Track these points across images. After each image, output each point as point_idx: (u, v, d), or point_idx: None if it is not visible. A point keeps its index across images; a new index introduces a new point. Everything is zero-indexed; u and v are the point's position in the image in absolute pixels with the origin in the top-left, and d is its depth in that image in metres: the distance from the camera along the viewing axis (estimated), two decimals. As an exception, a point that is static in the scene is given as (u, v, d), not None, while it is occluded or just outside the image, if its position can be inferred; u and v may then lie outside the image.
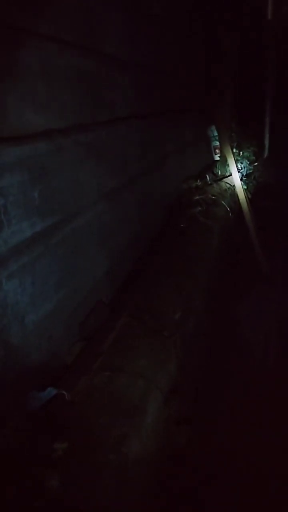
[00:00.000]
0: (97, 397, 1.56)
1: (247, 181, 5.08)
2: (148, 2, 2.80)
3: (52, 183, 1.66)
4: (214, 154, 5.11)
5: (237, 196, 4.12)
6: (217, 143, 5.02)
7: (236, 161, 4.54)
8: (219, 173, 4.90)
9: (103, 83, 2.17)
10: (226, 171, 4.82)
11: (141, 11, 2.68)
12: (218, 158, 5.08)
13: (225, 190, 4.55)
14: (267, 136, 6.29)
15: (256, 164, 5.62)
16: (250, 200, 4.21)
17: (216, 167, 4.97)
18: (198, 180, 4.23)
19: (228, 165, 4.57)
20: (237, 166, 4.38)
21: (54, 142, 1.65)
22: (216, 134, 4.99)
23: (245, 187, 4.61)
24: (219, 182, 4.67)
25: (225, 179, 4.76)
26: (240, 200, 4.04)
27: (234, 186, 4.29)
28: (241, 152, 5.26)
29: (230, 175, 4.52)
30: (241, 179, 4.46)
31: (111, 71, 2.26)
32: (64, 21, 1.69)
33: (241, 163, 5.24)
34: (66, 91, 1.76)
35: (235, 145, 5.20)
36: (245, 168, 5.30)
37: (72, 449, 1.21)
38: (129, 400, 1.55)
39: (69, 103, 1.79)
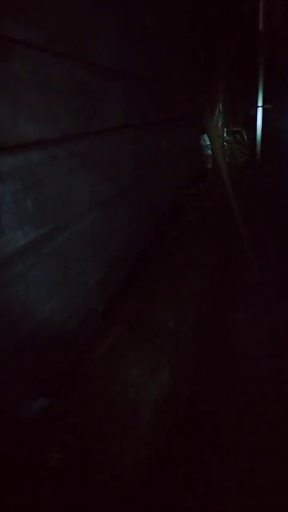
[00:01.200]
0: (91, 405, 1.56)
1: (239, 188, 5.12)
2: (140, 13, 2.83)
3: (45, 192, 1.67)
4: (207, 163, 5.16)
5: (230, 203, 4.15)
6: (210, 151, 5.07)
7: (229, 169, 4.57)
8: (212, 181, 4.93)
9: (96, 93, 2.19)
10: (219, 179, 4.86)
11: (133, 22, 2.71)
12: (211, 166, 5.12)
13: (218, 198, 4.57)
14: (259, 144, 6.36)
15: (248, 172, 5.67)
16: (244, 207, 4.24)
17: (209, 175, 5.01)
18: (192, 188, 4.26)
19: (221, 172, 4.61)
20: (229, 173, 4.42)
21: (47, 152, 1.66)
22: (209, 143, 5.03)
23: (237, 194, 4.65)
24: (212, 190, 4.70)
25: (218, 187, 4.79)
26: (233, 207, 4.07)
27: (227, 194, 4.32)
28: (233, 160, 5.31)
29: (223, 183, 4.56)
30: (233, 187, 4.49)
31: (104, 80, 2.28)
32: (57, 32, 1.71)
33: (234, 170, 5.29)
34: (59, 101, 1.77)
35: (227, 154, 5.25)
36: (238, 175, 5.35)
37: (66, 460, 1.20)
38: (123, 409, 1.54)
39: (62, 113, 1.80)
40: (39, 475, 1.13)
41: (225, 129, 5.59)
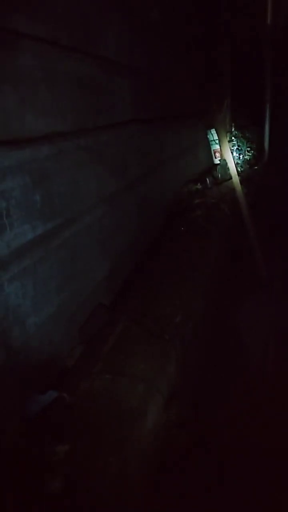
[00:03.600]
0: (98, 400, 1.56)
1: (247, 184, 5.10)
2: (147, 8, 2.82)
3: (53, 186, 1.67)
4: (214, 158, 5.13)
5: (238, 199, 4.13)
6: (217, 146, 5.04)
7: (236, 164, 4.55)
8: (220, 176, 4.91)
9: (103, 88, 2.19)
10: (227, 175, 4.84)
11: (140, 17, 2.70)
12: (218, 162, 5.10)
13: (226, 193, 4.56)
14: (267, 140, 6.31)
15: (256, 168, 5.63)
16: (251, 203, 4.22)
17: (216, 170, 4.98)
18: (198, 184, 4.24)
19: (228, 168, 4.59)
20: (237, 169, 4.40)
21: (55, 146, 1.66)
22: (215, 137, 5.01)
23: (245, 190, 4.63)
24: (219, 185, 4.68)
25: (226, 183, 4.77)
26: (240, 203, 4.05)
27: (234, 190, 4.30)
28: (241, 156, 5.28)
29: (231, 178, 4.54)
30: (241, 182, 4.47)
31: (111, 75, 2.27)
32: (63, 26, 1.70)
33: (241, 166, 5.26)
34: (66, 95, 1.77)
35: (235, 149, 5.22)
36: (246, 171, 5.32)
37: (73, 452, 1.21)
38: (130, 404, 1.55)
39: (69, 108, 1.80)
40: (47, 467, 1.14)
41: (232, 124, 5.55)
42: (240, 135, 5.53)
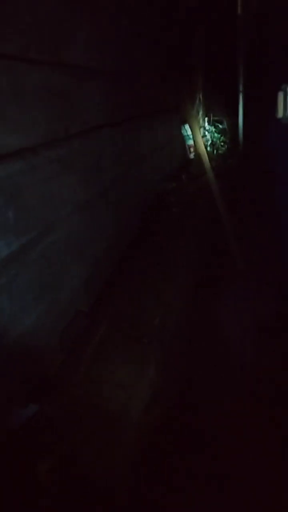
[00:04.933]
0: (79, 410, 1.60)
1: (222, 179, 5.16)
2: (114, 12, 2.80)
3: (26, 201, 1.67)
4: (189, 153, 5.17)
5: (213, 194, 4.19)
6: (191, 141, 5.08)
7: (211, 159, 4.60)
8: (195, 172, 4.96)
9: (74, 95, 2.18)
10: (202, 170, 4.88)
11: (108, 21, 2.68)
12: (193, 157, 5.14)
13: (201, 189, 4.61)
14: (241, 132, 6.38)
15: (230, 161, 5.70)
16: (226, 198, 4.28)
17: (192, 166, 5.03)
18: (174, 181, 4.28)
19: (203, 163, 4.64)
20: (211, 164, 4.45)
21: (27, 161, 1.66)
22: (190, 133, 5.04)
23: (220, 185, 4.69)
24: (195, 181, 4.73)
25: (201, 178, 4.82)
26: (216, 199, 4.11)
27: (209, 185, 4.35)
28: (215, 150, 5.33)
29: (206, 173, 4.59)
30: (216, 177, 4.53)
31: (81, 81, 2.26)
32: (31, 40, 1.69)
33: (216, 160, 5.32)
34: (37, 108, 1.76)
35: (208, 144, 5.26)
36: (220, 165, 5.38)
37: (56, 467, 1.25)
38: (110, 411, 1.60)
39: (40, 120, 1.80)
40: (30, 484, 1.17)
41: (205, 119, 5.58)
42: (214, 129, 5.57)
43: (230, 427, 2.03)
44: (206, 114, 5.67)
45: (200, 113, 5.47)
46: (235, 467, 1.80)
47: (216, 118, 5.80)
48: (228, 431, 2.00)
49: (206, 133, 5.45)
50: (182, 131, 5.06)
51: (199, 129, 4.98)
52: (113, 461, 1.41)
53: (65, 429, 1.48)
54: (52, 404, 1.59)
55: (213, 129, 5.62)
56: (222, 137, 5.67)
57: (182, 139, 5.10)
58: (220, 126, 5.72)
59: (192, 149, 5.11)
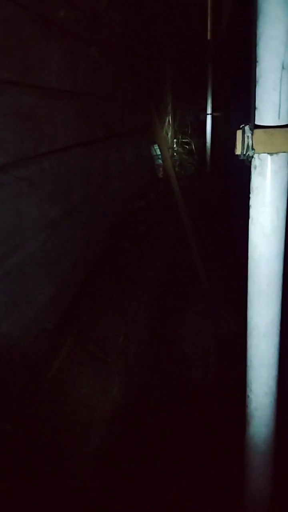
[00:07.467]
0: (41, 429, 1.60)
1: (189, 198, 5.31)
2: (85, 36, 2.89)
3: (-7, 219, 1.69)
4: (157, 173, 5.30)
5: (180, 213, 4.31)
6: (160, 162, 5.21)
7: (179, 179, 4.74)
8: (163, 191, 5.08)
9: (46, 115, 2.22)
10: (170, 189, 5.01)
11: (80, 45, 2.77)
12: (162, 176, 5.27)
13: (169, 208, 4.72)
14: (208, 152, 6.60)
15: (198, 181, 5.88)
16: (193, 217, 4.42)
17: (160, 185, 5.15)
18: (142, 199, 4.37)
19: (171, 183, 4.77)
20: (179, 183, 4.58)
21: (-5, 180, 1.68)
22: (159, 153, 5.18)
23: (187, 204, 4.83)
24: (163, 200, 4.84)
25: (169, 197, 4.95)
26: (183, 218, 4.23)
27: (177, 204, 4.48)
28: (182, 171, 5.49)
29: (174, 192, 4.72)
30: (183, 196, 4.67)
31: (52, 103, 2.31)
32: (2, 63, 1.73)
33: (184, 180, 5.47)
34: (6, 128, 1.79)
35: (177, 164, 5.41)
36: (188, 185, 5.54)
37: (16, 492, 1.24)
38: (73, 431, 1.60)
39: (10, 140, 1.82)
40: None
41: (174, 140, 5.75)
42: (181, 150, 5.75)
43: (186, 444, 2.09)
44: (175, 135, 5.85)
45: (170, 134, 5.63)
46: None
47: (184, 140, 5.98)
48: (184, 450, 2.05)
49: (175, 154, 5.61)
50: (151, 152, 5.19)
51: (168, 150, 5.12)
52: (71, 482, 1.41)
53: (24, 451, 1.47)
54: (13, 424, 1.58)
55: (181, 150, 5.80)
56: (189, 158, 5.85)
57: (151, 159, 5.22)
58: (188, 148, 5.91)
59: (161, 169, 5.24)
